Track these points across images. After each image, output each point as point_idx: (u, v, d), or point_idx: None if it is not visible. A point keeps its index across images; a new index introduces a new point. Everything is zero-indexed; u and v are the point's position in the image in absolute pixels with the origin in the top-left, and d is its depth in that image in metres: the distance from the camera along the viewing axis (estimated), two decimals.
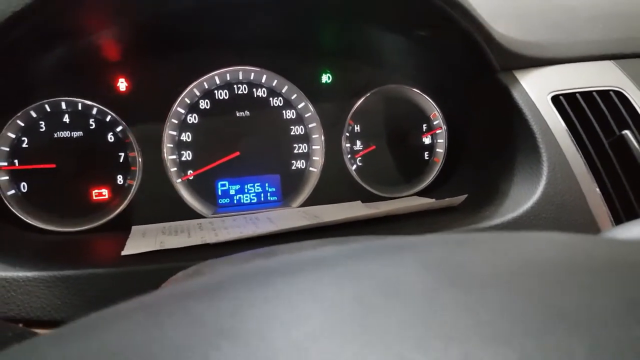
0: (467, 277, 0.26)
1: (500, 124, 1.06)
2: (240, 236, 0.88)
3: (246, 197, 1.13)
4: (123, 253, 0.85)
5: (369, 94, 1.15)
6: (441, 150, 1.19)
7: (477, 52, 1.00)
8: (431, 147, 1.20)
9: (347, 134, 1.16)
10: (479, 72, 1.06)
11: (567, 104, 1.01)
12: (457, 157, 1.18)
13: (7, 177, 1.00)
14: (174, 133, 1.08)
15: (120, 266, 0.81)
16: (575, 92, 1.02)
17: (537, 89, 1.02)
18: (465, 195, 1.01)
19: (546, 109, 1.00)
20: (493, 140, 1.08)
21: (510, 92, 1.01)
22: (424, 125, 1.20)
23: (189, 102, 1.09)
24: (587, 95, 1.02)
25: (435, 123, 1.19)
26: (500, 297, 0.23)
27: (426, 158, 1.20)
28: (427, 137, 1.20)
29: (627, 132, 0.96)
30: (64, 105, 1.03)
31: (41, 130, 1.03)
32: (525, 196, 0.95)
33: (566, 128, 0.99)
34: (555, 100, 1.01)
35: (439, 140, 1.19)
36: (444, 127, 1.18)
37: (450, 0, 0.91)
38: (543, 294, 0.23)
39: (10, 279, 0.78)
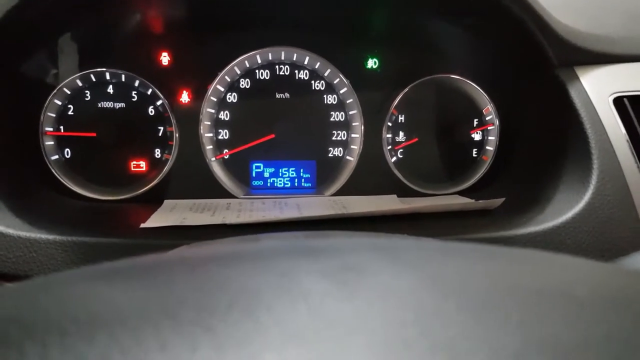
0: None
1: (553, 125, 0.97)
2: (261, 220, 0.87)
3: (280, 181, 1.11)
4: (142, 226, 0.86)
5: (416, 83, 1.09)
6: (491, 148, 1.10)
7: (532, 43, 0.92)
8: (480, 144, 1.12)
9: (390, 124, 1.10)
10: (535, 67, 0.98)
11: (632, 107, 0.90)
12: (506, 156, 1.10)
13: (52, 142, 1.04)
14: (212, 111, 1.08)
15: (138, 238, 0.82)
16: None
17: (598, 88, 0.92)
18: (503, 199, 0.94)
19: (606, 112, 0.90)
20: (544, 141, 1.00)
21: (567, 91, 0.92)
22: (475, 120, 1.12)
23: (229, 80, 1.08)
24: None
25: (487, 118, 1.11)
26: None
27: (474, 155, 1.13)
28: (476, 133, 1.12)
29: None
30: (108, 76, 1.05)
31: (86, 99, 1.05)
32: (567, 205, 0.87)
33: (626, 134, 0.89)
34: (618, 102, 0.91)
35: (489, 137, 1.11)
36: (497, 124, 1.10)
37: None
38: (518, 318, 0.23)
39: (33, 240, 0.81)
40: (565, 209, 0.87)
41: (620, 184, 0.87)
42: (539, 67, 0.96)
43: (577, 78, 0.93)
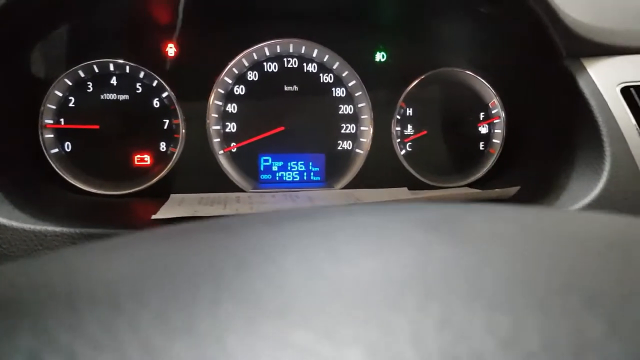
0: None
1: (562, 115, 0.99)
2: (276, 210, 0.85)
3: (289, 174, 1.09)
4: (153, 217, 0.83)
5: (424, 76, 1.09)
6: (498, 141, 1.12)
7: (542, 34, 0.93)
8: (487, 137, 1.14)
9: (398, 117, 1.11)
10: (543, 58, 0.99)
11: (639, 96, 0.93)
12: (514, 148, 1.11)
13: (52, 135, 1.01)
14: (220, 103, 1.06)
15: (152, 229, 0.79)
16: None
17: (606, 78, 0.95)
18: (518, 187, 0.94)
19: (614, 101, 0.92)
20: (553, 131, 1.01)
21: (575, 81, 0.94)
22: (482, 113, 1.13)
23: (237, 72, 1.06)
24: None
25: (493, 112, 1.12)
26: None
27: (481, 148, 1.14)
28: (483, 126, 1.13)
29: None
30: (112, 67, 1.02)
31: (88, 90, 1.02)
32: (582, 193, 0.88)
33: (635, 123, 0.91)
34: (626, 92, 0.93)
35: (496, 130, 1.12)
36: (503, 117, 1.11)
37: None
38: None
39: (38, 232, 0.77)
40: (580, 196, 0.88)
41: (633, 170, 0.89)
42: (548, 59, 0.98)
43: (585, 69, 0.95)
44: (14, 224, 0.78)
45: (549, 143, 1.02)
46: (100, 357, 0.19)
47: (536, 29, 0.93)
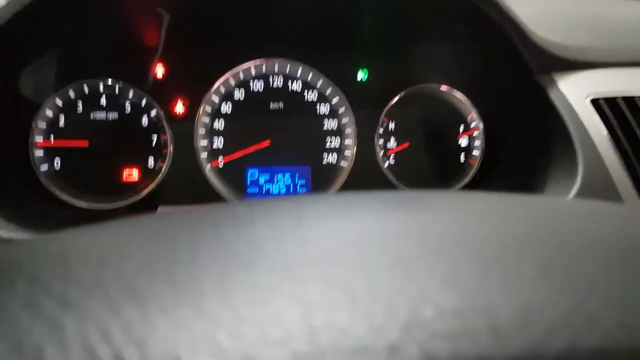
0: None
1: (537, 127, 1.03)
2: None
3: (275, 187, 1.12)
4: None
5: (404, 93, 1.14)
6: (477, 153, 1.16)
7: (513, 52, 0.98)
8: (467, 149, 1.18)
9: (381, 131, 1.15)
10: (516, 74, 1.04)
11: (608, 108, 0.98)
12: (493, 159, 1.15)
13: (42, 153, 1.02)
14: (207, 120, 1.09)
15: None
16: (616, 97, 0.99)
17: (576, 92, 0.99)
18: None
19: (585, 113, 0.97)
20: (529, 142, 1.06)
21: (547, 95, 0.99)
22: (461, 126, 1.17)
23: (223, 91, 1.10)
24: (629, 100, 0.99)
25: (472, 125, 1.17)
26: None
27: (462, 160, 1.18)
28: (463, 139, 1.18)
29: None
30: (101, 87, 1.05)
31: (78, 109, 1.04)
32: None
33: (606, 132, 0.96)
34: (595, 104, 0.99)
35: (475, 143, 1.17)
36: (481, 130, 1.16)
37: None
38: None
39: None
40: None
41: (605, 177, 0.93)
42: (519, 74, 1.03)
43: (555, 83, 1.00)
44: (3, 234, 0.80)
45: (525, 154, 1.07)
46: (89, 302, 0.21)
47: (507, 48, 0.98)
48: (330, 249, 0.26)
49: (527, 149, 1.06)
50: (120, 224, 0.33)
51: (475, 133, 1.16)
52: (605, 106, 0.98)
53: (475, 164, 1.16)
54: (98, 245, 0.28)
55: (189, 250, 0.25)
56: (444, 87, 1.16)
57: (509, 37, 0.96)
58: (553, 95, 0.98)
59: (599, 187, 0.92)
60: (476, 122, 1.16)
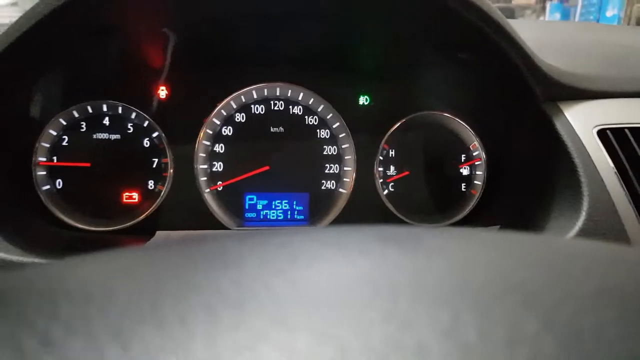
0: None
1: (541, 156, 1.00)
2: None
3: (273, 213, 1.11)
4: None
5: (405, 119, 1.12)
6: (479, 183, 1.13)
7: (519, 79, 0.96)
8: (469, 178, 1.15)
9: (381, 158, 1.13)
10: (521, 102, 1.02)
11: (615, 139, 0.95)
12: (495, 189, 1.12)
13: (44, 173, 1.04)
14: (208, 143, 1.10)
15: None
16: (624, 128, 0.96)
17: (582, 122, 0.96)
18: (498, 227, 0.95)
19: (591, 143, 0.94)
20: (533, 172, 1.03)
21: (553, 124, 0.96)
22: (463, 155, 1.15)
23: (225, 114, 1.10)
24: (637, 132, 0.96)
25: (474, 154, 1.14)
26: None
27: (463, 189, 1.15)
28: (464, 168, 1.15)
29: None
30: (105, 108, 1.06)
31: (81, 130, 1.06)
32: (561, 232, 0.89)
33: (612, 164, 0.92)
34: (602, 135, 0.95)
35: (477, 172, 1.14)
36: (484, 159, 1.13)
37: (488, 19, 0.88)
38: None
39: (24, 263, 0.79)
40: (558, 234, 0.89)
41: (610, 210, 0.89)
42: (525, 103, 1.00)
43: (562, 112, 0.97)
44: (2, 255, 0.81)
45: (528, 184, 1.04)
46: (72, 341, 0.21)
47: (513, 75, 0.96)
48: (321, 294, 0.25)
49: (531, 180, 1.03)
50: (109, 257, 0.33)
51: (478, 162, 1.14)
52: (612, 137, 0.95)
53: (477, 194, 1.13)
54: (83, 279, 0.27)
55: (175, 289, 0.25)
56: (446, 115, 1.13)
57: (515, 63, 0.93)
58: (559, 125, 0.95)
59: (604, 222, 0.89)
60: (479, 152, 1.13)
